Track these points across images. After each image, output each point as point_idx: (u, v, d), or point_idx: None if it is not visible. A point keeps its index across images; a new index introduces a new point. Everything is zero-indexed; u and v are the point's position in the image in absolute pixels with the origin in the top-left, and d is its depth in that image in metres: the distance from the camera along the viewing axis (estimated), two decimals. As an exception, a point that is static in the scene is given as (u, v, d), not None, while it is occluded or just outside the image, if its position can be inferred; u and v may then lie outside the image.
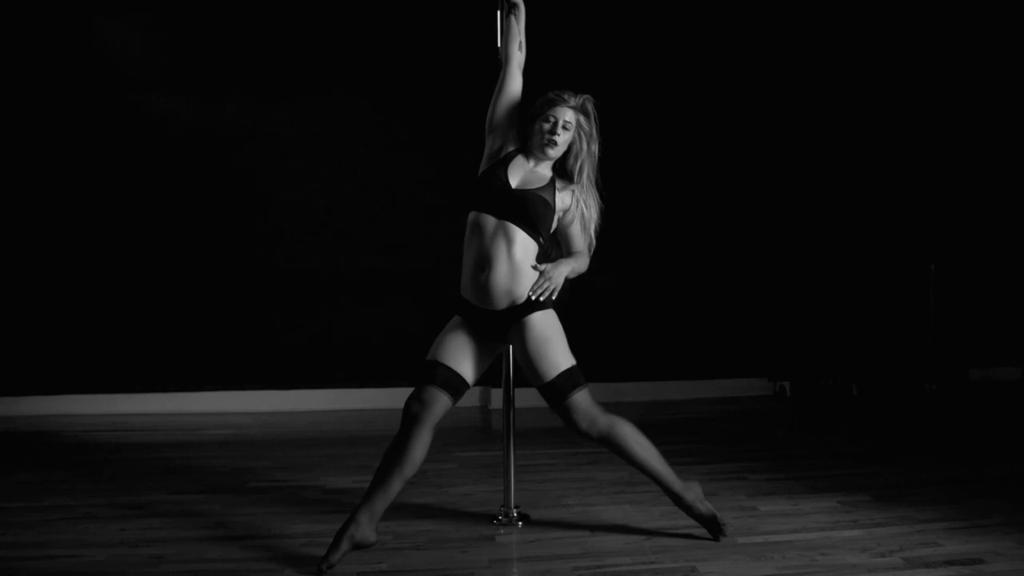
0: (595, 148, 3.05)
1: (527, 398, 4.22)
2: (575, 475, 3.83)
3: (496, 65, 3.18)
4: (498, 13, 3.22)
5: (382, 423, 4.84)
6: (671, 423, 4.90)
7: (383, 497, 2.84)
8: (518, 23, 3.11)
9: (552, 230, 3.04)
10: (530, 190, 2.95)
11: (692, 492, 3.04)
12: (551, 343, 2.93)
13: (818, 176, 5.58)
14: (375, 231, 5.25)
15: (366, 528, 2.80)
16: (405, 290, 5.23)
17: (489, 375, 4.34)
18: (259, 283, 5.20)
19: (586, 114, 3.02)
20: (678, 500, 3.03)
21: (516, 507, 3.27)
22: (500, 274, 2.90)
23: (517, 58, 3.11)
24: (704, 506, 3.04)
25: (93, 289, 5.08)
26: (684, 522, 3.18)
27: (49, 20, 4.98)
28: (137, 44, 5.07)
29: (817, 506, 3.38)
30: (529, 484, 3.60)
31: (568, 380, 2.93)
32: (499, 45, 3.19)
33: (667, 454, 4.08)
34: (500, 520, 3.23)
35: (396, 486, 2.85)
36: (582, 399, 2.93)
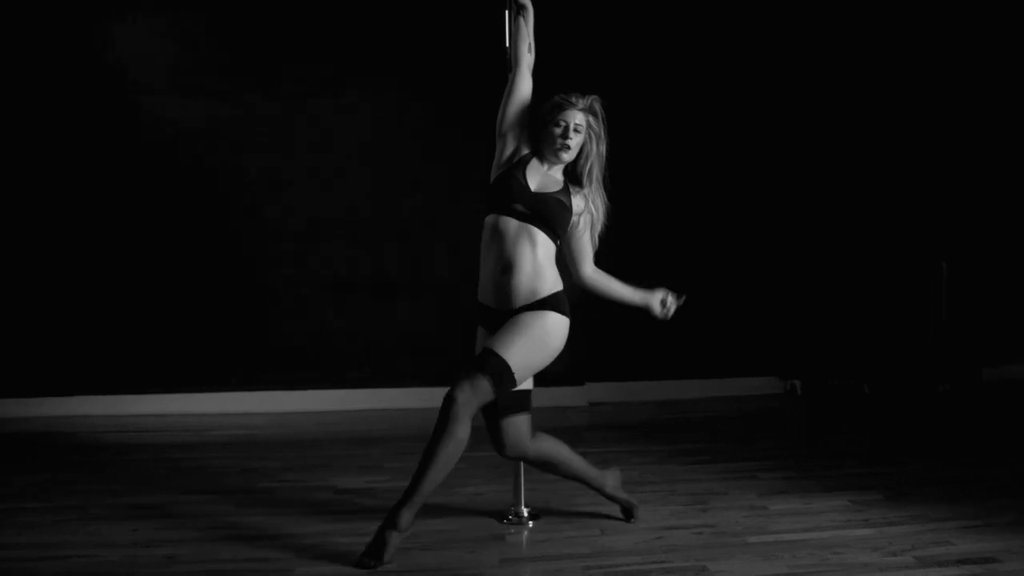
0: (603, 148, 3.05)
1: (537, 398, 4.23)
2: (585, 475, 3.82)
3: (505, 66, 3.17)
4: (506, 14, 3.21)
5: (392, 423, 4.85)
6: (682, 422, 4.89)
7: None
8: (527, 25, 3.10)
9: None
10: (548, 193, 2.97)
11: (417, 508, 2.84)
12: (528, 340, 2.84)
13: (829, 175, 5.57)
14: (384, 231, 5.26)
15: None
16: (415, 290, 5.24)
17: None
18: (268, 283, 5.22)
19: (595, 115, 3.03)
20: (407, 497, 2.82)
21: (526, 507, 3.27)
22: (524, 275, 2.90)
23: (526, 60, 3.10)
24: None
25: (102, 291, 5.11)
26: (694, 521, 3.18)
27: (58, 23, 5.01)
28: (144, 46, 5.09)
29: (829, 505, 3.36)
30: (539, 484, 3.59)
31: (497, 368, 2.78)
32: (508, 46, 3.19)
33: (679, 453, 4.11)
34: (510, 520, 3.23)
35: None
36: (482, 391, 2.76)
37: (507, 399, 2.94)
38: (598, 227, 3.09)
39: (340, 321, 5.25)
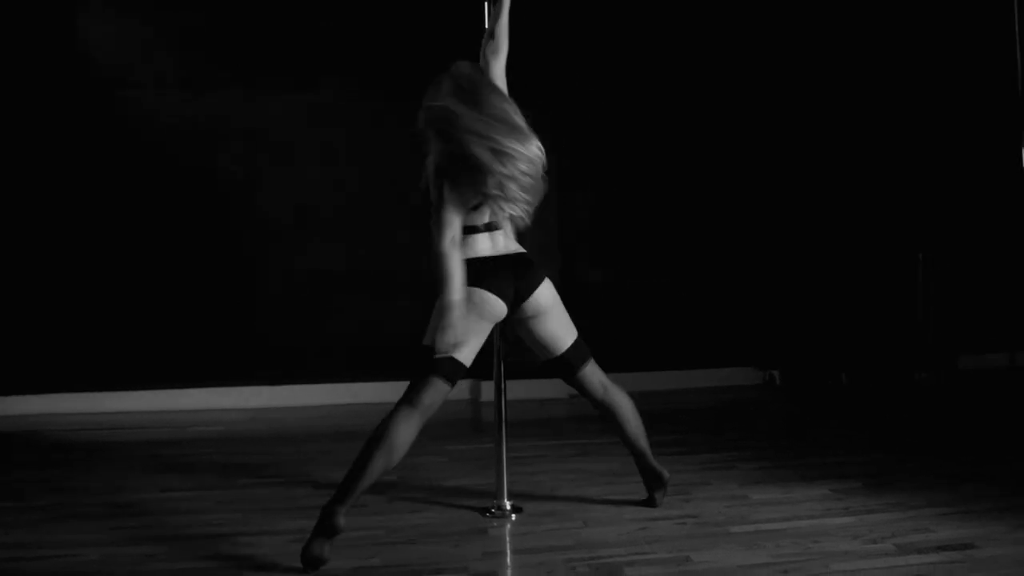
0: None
1: (516, 391, 4.23)
2: (566, 466, 3.83)
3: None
4: (485, 4, 3.23)
5: (373, 417, 4.79)
6: (662, 413, 4.89)
7: None
8: (496, 12, 3.13)
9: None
10: None
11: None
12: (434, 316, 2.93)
13: (807, 166, 5.59)
14: (368, 228, 5.23)
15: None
16: (396, 285, 5.22)
17: (479, 368, 4.34)
18: (249, 279, 5.18)
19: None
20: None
21: (508, 499, 3.26)
22: None
23: (487, 45, 3.12)
24: None
25: (81, 286, 5.06)
26: (677, 512, 3.19)
27: (37, 18, 4.94)
28: (127, 41, 5.04)
29: (808, 494, 3.38)
30: (520, 476, 3.60)
31: (425, 360, 2.89)
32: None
33: (659, 444, 4.11)
34: (493, 513, 3.22)
35: None
36: (436, 387, 2.87)
37: (568, 358, 3.10)
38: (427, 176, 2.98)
39: (323, 316, 5.23)
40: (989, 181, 5.83)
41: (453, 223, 2.89)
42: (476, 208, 2.98)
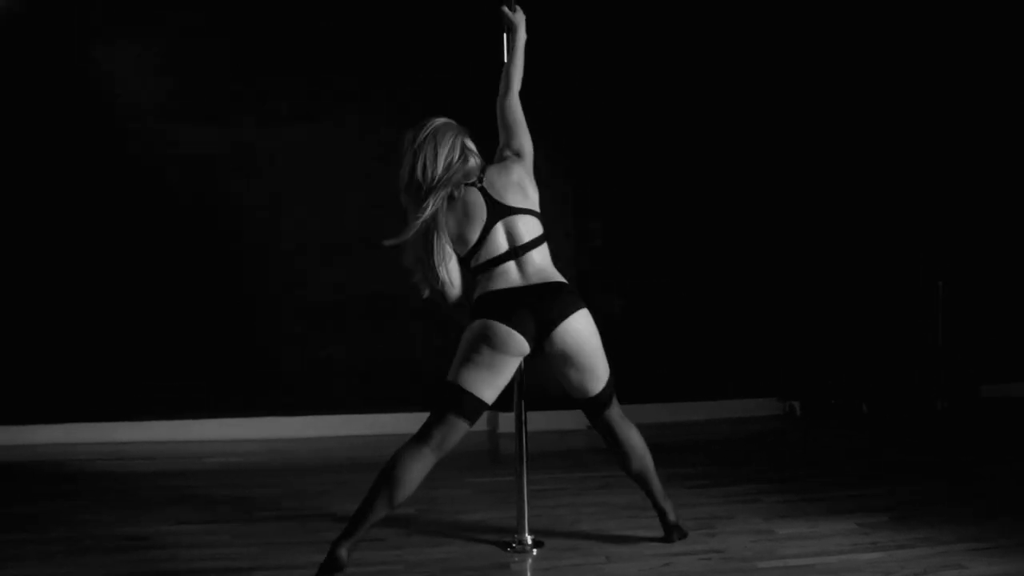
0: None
1: (536, 422, 4.18)
2: (588, 499, 3.77)
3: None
4: (504, 36, 3.23)
5: (390, 449, 4.75)
6: (683, 445, 4.84)
7: None
8: (511, 46, 3.14)
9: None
10: None
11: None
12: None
13: (825, 195, 5.56)
14: (382, 255, 5.18)
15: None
16: (413, 314, 5.17)
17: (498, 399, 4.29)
18: (263, 309, 5.15)
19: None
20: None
21: (530, 534, 3.21)
22: None
23: (501, 84, 3.15)
24: None
25: (93, 315, 5.03)
26: (701, 546, 3.13)
27: (49, 48, 4.96)
28: (135, 73, 5.05)
29: (835, 528, 3.31)
30: (541, 509, 3.54)
31: (446, 392, 2.86)
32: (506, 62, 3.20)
33: (680, 476, 4.05)
34: (514, 547, 3.16)
35: None
36: (454, 425, 2.84)
37: (601, 399, 2.97)
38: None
39: (336, 346, 5.18)
40: (1010, 208, 5.79)
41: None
42: (483, 240, 2.91)
